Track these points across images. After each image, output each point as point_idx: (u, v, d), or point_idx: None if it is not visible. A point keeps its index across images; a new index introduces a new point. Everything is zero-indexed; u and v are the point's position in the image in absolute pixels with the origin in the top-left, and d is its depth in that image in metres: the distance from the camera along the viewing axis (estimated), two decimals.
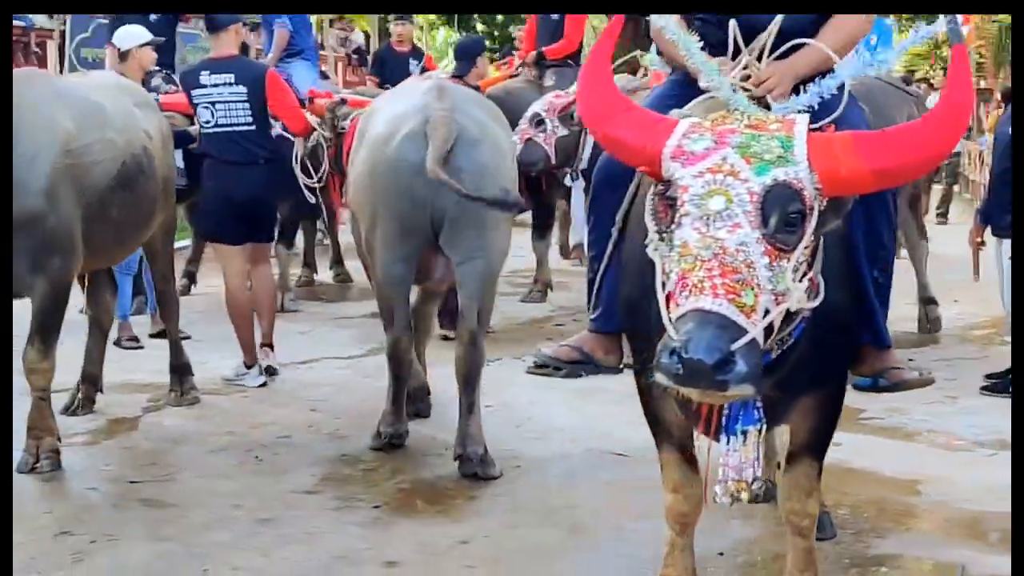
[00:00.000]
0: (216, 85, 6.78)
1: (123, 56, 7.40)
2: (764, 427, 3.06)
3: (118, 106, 5.83)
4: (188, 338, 7.05)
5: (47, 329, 5.35)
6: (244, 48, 10.83)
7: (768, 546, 4.47)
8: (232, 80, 6.78)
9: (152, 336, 7.75)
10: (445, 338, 7.18)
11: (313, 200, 8.22)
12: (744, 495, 3.07)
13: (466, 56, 8.15)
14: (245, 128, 6.80)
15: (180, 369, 6.64)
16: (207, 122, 6.78)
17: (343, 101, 7.64)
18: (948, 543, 4.64)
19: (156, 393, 6.66)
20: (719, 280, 2.65)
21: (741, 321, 2.62)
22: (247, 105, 6.78)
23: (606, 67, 3.21)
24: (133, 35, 7.44)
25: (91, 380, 6.46)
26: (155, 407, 6.48)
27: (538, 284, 9.54)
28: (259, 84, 6.83)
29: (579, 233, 9.13)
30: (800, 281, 2.80)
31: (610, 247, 3.81)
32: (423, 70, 10.69)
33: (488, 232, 5.36)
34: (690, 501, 3.69)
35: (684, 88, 3.68)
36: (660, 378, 2.67)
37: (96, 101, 5.67)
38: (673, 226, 2.83)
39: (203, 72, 6.84)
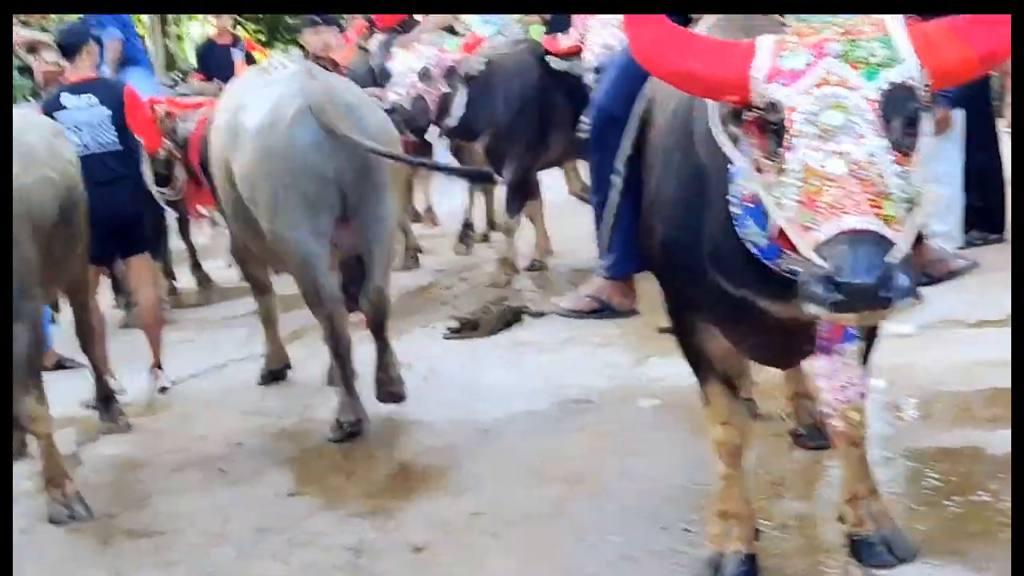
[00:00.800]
0: (80, 108, 6.57)
1: None
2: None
3: (43, 141, 5.60)
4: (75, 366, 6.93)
5: (36, 373, 5.19)
6: None
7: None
8: (95, 101, 6.59)
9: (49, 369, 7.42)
10: None
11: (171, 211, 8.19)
12: (855, 415, 3.11)
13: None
14: (114, 149, 6.63)
15: (106, 397, 6.42)
16: (79, 146, 6.48)
17: (168, 115, 7.52)
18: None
19: (82, 425, 6.40)
20: (859, 196, 2.57)
21: (889, 234, 2.57)
22: (113, 126, 6.62)
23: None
24: None
25: (20, 425, 6.18)
26: (88, 439, 6.23)
27: (409, 251, 9.59)
28: (120, 103, 6.67)
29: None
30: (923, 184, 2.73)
31: (616, 191, 3.90)
32: (247, 56, 10.57)
33: (387, 194, 5.73)
34: (740, 431, 3.75)
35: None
36: (813, 309, 2.60)
37: (24, 139, 5.42)
38: (782, 150, 2.71)
39: (64, 94, 6.61)
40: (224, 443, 5.91)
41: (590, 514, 4.47)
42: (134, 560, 4.64)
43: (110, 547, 4.81)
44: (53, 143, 5.76)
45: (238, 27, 11.83)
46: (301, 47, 7.38)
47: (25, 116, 6.05)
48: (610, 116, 3.98)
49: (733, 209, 3.14)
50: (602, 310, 4.13)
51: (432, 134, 8.24)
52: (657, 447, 5.10)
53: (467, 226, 9.84)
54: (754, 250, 3.11)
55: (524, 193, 8.40)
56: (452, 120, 8.05)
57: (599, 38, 7.14)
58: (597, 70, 6.89)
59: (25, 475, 5.80)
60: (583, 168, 9.93)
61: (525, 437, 5.41)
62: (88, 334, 6.43)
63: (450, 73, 7.96)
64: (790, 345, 3.51)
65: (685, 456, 4.89)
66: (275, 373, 6.83)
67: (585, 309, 4.14)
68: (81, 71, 6.67)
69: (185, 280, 10.15)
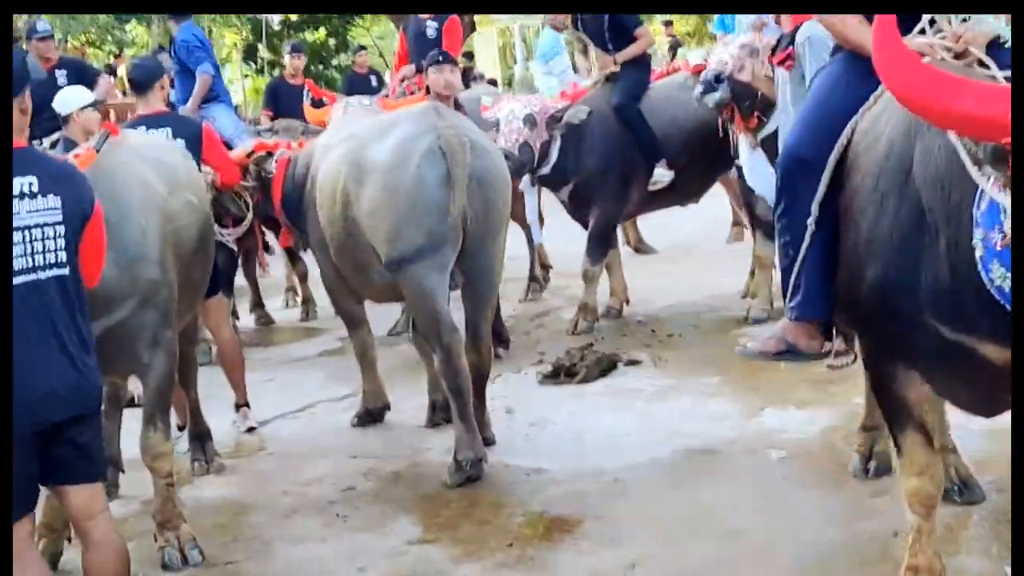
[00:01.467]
0: None
1: (64, 120, 6.98)
2: None
3: (183, 164, 5.55)
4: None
5: (166, 407, 5.02)
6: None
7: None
8: (170, 135, 6.41)
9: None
10: None
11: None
12: None
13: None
14: None
15: (201, 436, 6.25)
16: None
17: (269, 154, 7.37)
18: None
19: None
20: None
21: None
22: None
23: (908, 48, 3.04)
24: (74, 98, 7.01)
25: (112, 462, 6.00)
26: (183, 480, 6.02)
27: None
28: (196, 138, 6.52)
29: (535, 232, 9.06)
30: None
31: (809, 234, 3.84)
32: (313, 101, 10.48)
33: (501, 237, 5.83)
34: (935, 482, 3.70)
35: (858, 63, 3.77)
36: None
37: (169, 162, 5.34)
38: None
39: (140, 128, 6.40)
40: (335, 487, 5.72)
41: (756, 569, 4.31)
42: None
43: None
44: (190, 168, 5.68)
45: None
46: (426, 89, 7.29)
47: (161, 139, 5.97)
48: (802, 160, 3.92)
49: (978, 252, 3.09)
50: (787, 352, 4.00)
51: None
52: (797, 499, 4.97)
53: (533, 274, 9.72)
54: (997, 294, 3.06)
55: (608, 242, 8.34)
56: (547, 167, 8.00)
57: (717, 56, 7.09)
58: (718, 79, 6.79)
59: (127, 515, 5.66)
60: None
61: (660, 487, 5.23)
62: (190, 369, 6.27)
63: (552, 121, 7.89)
64: (997, 392, 3.42)
65: (826, 509, 4.81)
66: (373, 413, 6.65)
67: (771, 351, 4.02)
68: (153, 105, 6.52)
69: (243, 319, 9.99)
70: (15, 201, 3.56)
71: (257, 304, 10.06)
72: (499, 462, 5.71)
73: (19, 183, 3.58)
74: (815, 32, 6.25)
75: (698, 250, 10.63)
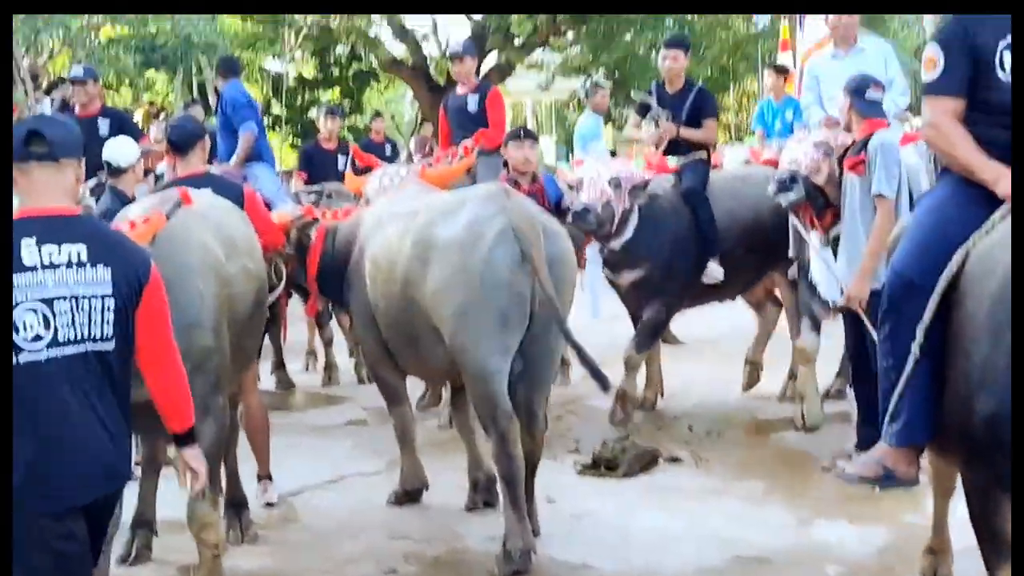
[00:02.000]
0: None
1: (119, 172, 6.93)
2: None
3: (241, 230, 5.46)
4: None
5: (214, 477, 4.88)
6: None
7: None
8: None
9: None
10: None
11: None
12: None
13: (504, 143, 7.72)
14: None
15: (237, 503, 6.09)
16: None
17: (316, 220, 7.22)
18: None
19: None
20: None
21: None
22: None
23: None
24: (130, 151, 6.98)
25: (147, 525, 5.85)
26: None
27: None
28: (238, 202, 6.26)
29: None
30: None
31: (913, 358, 3.77)
32: (353, 164, 10.44)
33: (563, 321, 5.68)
34: None
35: (969, 186, 3.77)
36: None
37: (229, 226, 5.27)
38: None
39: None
40: (375, 568, 5.56)
41: None
42: None
43: None
44: (249, 234, 5.59)
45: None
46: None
47: (223, 202, 5.87)
48: (910, 282, 3.87)
49: None
50: (885, 478, 3.90)
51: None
52: None
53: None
54: None
55: (660, 334, 8.17)
56: (619, 241, 7.77)
57: (792, 155, 6.87)
58: (793, 179, 6.70)
59: None
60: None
61: None
62: (230, 436, 6.13)
63: (636, 189, 7.68)
64: None
65: None
66: (411, 494, 6.49)
67: (871, 476, 3.92)
68: (194, 166, 6.40)
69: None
70: (63, 269, 3.45)
71: (279, 366, 9.92)
72: (544, 554, 5.56)
73: (68, 251, 3.46)
74: (888, 140, 6.27)
75: (726, 343, 10.48)
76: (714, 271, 7.89)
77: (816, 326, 7.45)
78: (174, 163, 6.51)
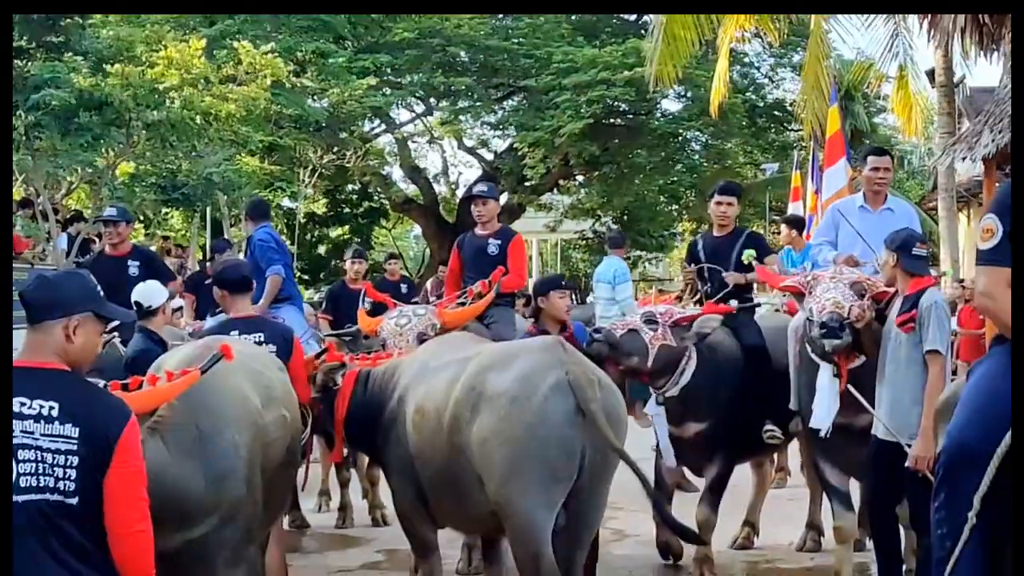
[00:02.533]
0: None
1: (150, 313, 7.01)
2: None
3: (278, 378, 5.47)
4: None
5: None
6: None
7: None
8: (262, 339, 6.33)
9: None
10: None
11: None
12: None
13: (542, 291, 7.59)
14: None
15: None
16: None
17: (342, 364, 7.11)
18: None
19: None
20: None
21: None
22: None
23: None
24: (160, 292, 7.09)
25: None
26: None
27: None
28: (288, 347, 6.39)
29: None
30: None
31: (968, 527, 3.72)
32: (371, 305, 10.40)
33: (610, 480, 5.71)
34: None
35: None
36: None
37: (265, 374, 5.27)
38: None
39: (232, 331, 6.29)
40: None
41: None
42: None
43: None
44: (284, 381, 5.60)
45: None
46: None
47: (261, 351, 5.88)
48: (967, 449, 3.81)
49: None
50: None
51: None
52: None
53: None
54: None
55: (723, 489, 7.72)
56: (675, 387, 7.37)
57: (830, 295, 6.67)
58: (841, 325, 6.51)
59: None
60: None
61: None
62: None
63: (679, 328, 7.30)
64: None
65: None
66: None
67: None
68: (245, 308, 6.44)
69: None
70: (31, 422, 3.50)
71: (293, 507, 9.78)
72: None
73: (39, 405, 3.52)
74: (940, 298, 6.28)
75: (739, 492, 10.40)
76: (773, 431, 7.57)
77: (847, 504, 7.17)
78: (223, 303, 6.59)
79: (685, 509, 8.40)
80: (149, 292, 7.11)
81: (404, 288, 13.28)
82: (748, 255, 7.94)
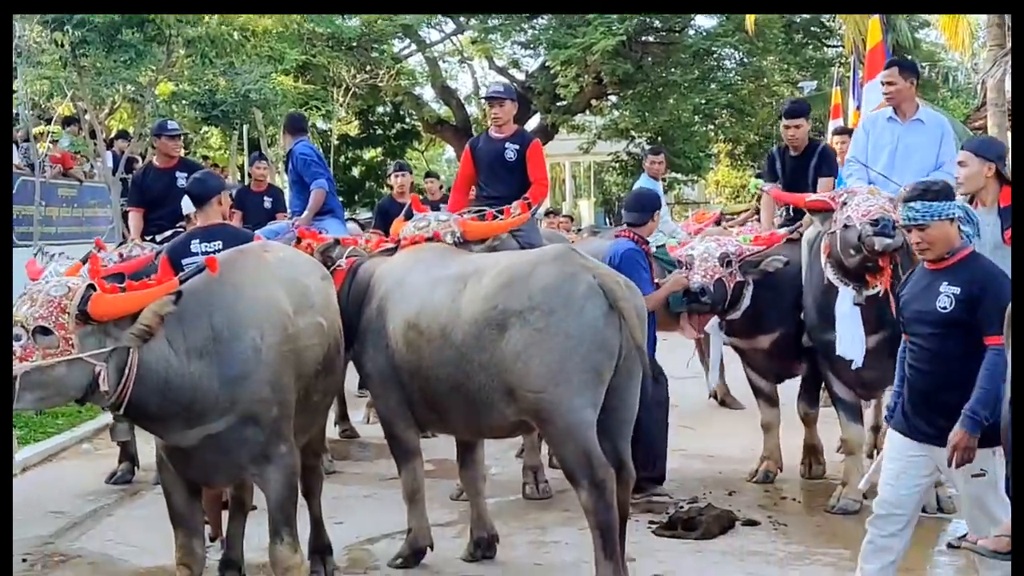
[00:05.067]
0: (207, 253, 6.10)
1: (204, 203, 7.05)
2: None
3: (317, 285, 5.51)
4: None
5: (290, 520, 4.94)
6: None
7: None
8: (221, 247, 6.17)
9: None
10: None
11: None
12: None
13: (643, 208, 7.69)
14: None
15: (322, 549, 6.13)
16: None
17: (336, 241, 7.18)
18: None
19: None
20: None
21: None
22: None
23: None
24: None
25: (235, 566, 5.90)
26: None
27: None
28: None
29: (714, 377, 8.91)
30: None
31: None
32: (409, 215, 10.44)
33: (640, 374, 5.72)
34: None
35: None
36: None
37: (302, 281, 5.34)
38: None
39: (193, 241, 6.29)
40: None
41: None
42: None
43: None
44: (326, 289, 5.65)
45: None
46: None
47: (304, 258, 5.94)
48: None
49: None
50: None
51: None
52: None
53: None
54: None
55: (820, 385, 8.00)
56: (737, 312, 7.78)
57: (872, 203, 6.73)
58: (894, 225, 6.49)
59: None
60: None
61: None
62: (316, 482, 6.19)
63: (748, 266, 7.67)
64: None
65: None
66: (418, 554, 6.40)
67: (1003, 550, 3.91)
68: (211, 218, 6.43)
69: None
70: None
71: (343, 418, 9.98)
72: None
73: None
74: None
75: (786, 410, 10.50)
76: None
77: (854, 415, 7.42)
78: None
79: (739, 426, 8.55)
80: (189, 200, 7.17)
81: (443, 208, 13.31)
82: (754, 184, 8.10)
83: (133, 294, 4.57)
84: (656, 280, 7.54)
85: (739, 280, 7.65)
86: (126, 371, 4.46)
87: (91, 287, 4.48)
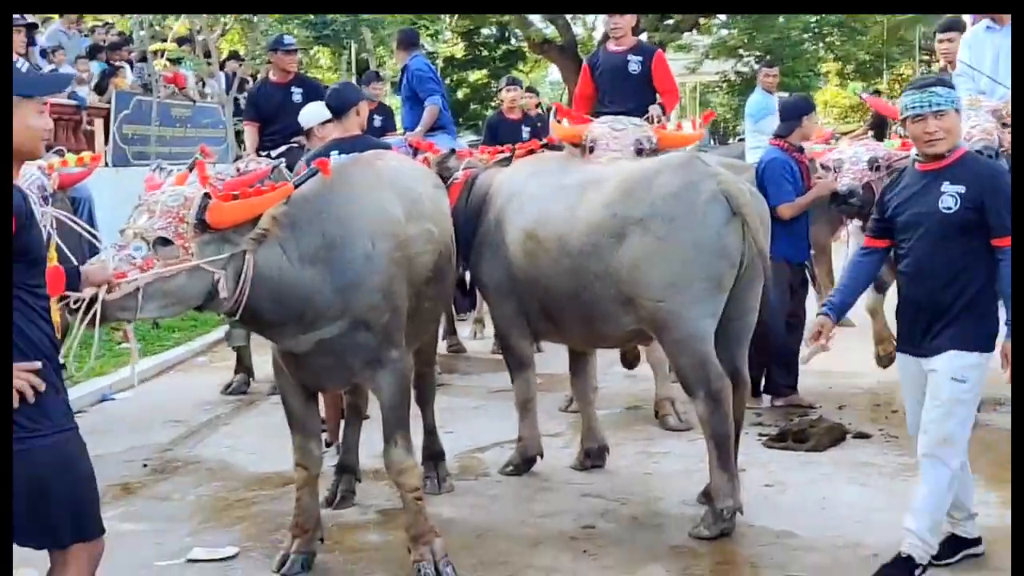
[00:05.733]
0: None
1: (310, 135, 7.19)
2: None
3: (428, 194, 5.51)
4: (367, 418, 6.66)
5: (403, 424, 4.98)
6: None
7: None
8: None
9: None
10: None
11: None
12: None
13: (787, 117, 7.74)
14: None
15: (435, 456, 6.25)
16: None
17: (452, 152, 7.15)
18: None
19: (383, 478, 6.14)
20: None
21: None
22: None
23: None
24: (315, 113, 7.18)
25: (351, 470, 6.05)
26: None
27: None
28: None
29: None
30: None
31: None
32: (535, 135, 10.44)
33: (761, 282, 5.62)
34: None
35: None
36: None
37: (414, 189, 5.35)
38: None
39: (333, 152, 6.20)
40: (573, 524, 5.64)
41: None
42: None
43: None
44: (437, 197, 5.66)
45: None
46: None
47: (415, 166, 5.96)
48: None
49: None
50: None
51: None
52: None
53: None
54: None
55: None
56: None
57: (973, 122, 6.67)
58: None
59: (366, 523, 5.66)
60: None
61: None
62: (429, 391, 6.28)
63: (895, 170, 7.32)
64: None
65: None
66: (528, 463, 6.49)
67: None
68: (349, 130, 6.43)
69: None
70: None
71: (451, 332, 10.09)
72: (742, 521, 5.52)
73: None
74: None
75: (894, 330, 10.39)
76: None
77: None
78: None
79: (850, 342, 8.42)
80: (310, 114, 7.26)
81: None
82: (853, 88, 8.01)
83: (251, 200, 4.61)
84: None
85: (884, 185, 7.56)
86: (242, 277, 4.50)
87: (207, 196, 4.53)
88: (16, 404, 3.29)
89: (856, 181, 7.36)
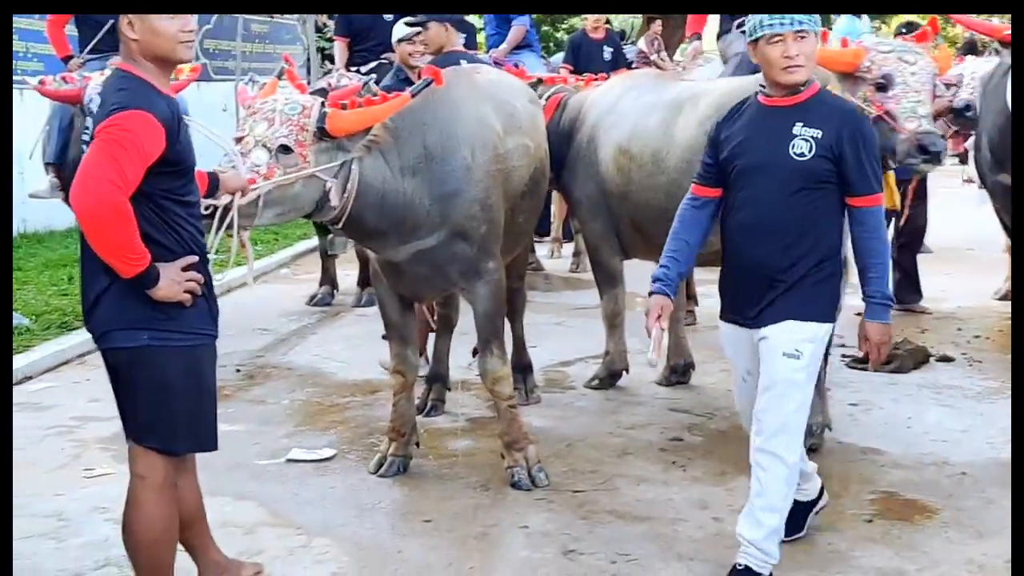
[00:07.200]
0: None
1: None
2: None
3: (525, 108, 5.54)
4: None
5: (498, 334, 5.10)
6: None
7: None
8: None
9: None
10: None
11: None
12: None
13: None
14: None
15: (524, 368, 6.37)
16: None
17: (540, 80, 7.18)
18: None
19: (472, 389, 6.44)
20: None
21: None
22: None
23: None
24: (397, 31, 7.21)
25: (441, 380, 6.19)
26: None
27: None
28: None
29: None
30: None
31: None
32: (616, 55, 10.47)
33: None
34: None
35: None
36: None
37: (511, 102, 5.39)
38: None
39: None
40: (661, 436, 5.75)
41: None
42: (636, 543, 4.47)
43: (592, 523, 4.66)
44: (533, 112, 5.68)
45: None
46: None
47: (512, 80, 6.00)
48: None
49: None
50: None
51: None
52: None
53: None
54: None
55: None
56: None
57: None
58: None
59: (454, 430, 5.80)
60: None
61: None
62: (519, 305, 6.38)
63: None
64: None
65: None
66: (614, 376, 6.59)
67: None
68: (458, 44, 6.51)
69: None
70: None
71: (530, 250, 10.16)
72: (830, 438, 5.61)
73: None
74: None
75: (973, 256, 10.40)
76: None
77: None
78: None
79: (930, 267, 8.41)
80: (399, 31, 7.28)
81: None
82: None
83: (368, 109, 4.64)
84: None
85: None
86: (348, 186, 4.59)
87: (323, 104, 4.58)
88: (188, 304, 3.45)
89: (973, 95, 7.37)
